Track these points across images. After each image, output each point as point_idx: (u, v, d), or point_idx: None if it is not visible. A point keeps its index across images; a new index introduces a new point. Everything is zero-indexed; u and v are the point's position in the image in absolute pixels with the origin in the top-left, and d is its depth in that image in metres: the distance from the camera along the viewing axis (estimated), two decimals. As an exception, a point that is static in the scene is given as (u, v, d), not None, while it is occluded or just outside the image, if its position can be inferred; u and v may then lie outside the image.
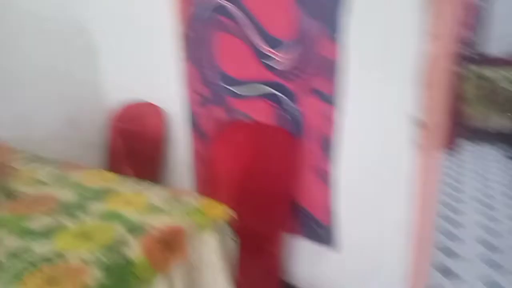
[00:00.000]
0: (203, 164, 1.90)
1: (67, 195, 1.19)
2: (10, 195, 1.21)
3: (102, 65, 2.19)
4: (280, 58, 1.45)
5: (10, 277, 0.80)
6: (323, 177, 1.48)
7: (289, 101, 1.48)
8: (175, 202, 1.13)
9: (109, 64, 2.18)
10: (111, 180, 1.30)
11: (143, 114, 2.05)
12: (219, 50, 1.64)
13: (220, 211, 1.12)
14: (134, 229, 0.99)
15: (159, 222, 1.02)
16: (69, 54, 2.04)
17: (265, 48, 1.48)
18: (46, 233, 0.97)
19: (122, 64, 2.12)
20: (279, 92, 1.50)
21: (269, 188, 1.51)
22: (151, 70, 1.98)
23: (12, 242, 0.93)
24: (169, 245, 0.98)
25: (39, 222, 1.03)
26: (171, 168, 2.10)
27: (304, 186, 1.53)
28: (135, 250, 0.92)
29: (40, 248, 0.90)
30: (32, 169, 1.41)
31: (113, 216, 1.05)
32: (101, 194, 1.18)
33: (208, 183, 1.77)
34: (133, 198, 1.16)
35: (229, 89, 1.65)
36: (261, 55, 1.50)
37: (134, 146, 2.09)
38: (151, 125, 2.03)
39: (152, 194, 1.19)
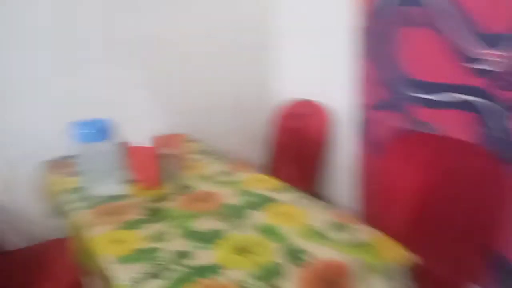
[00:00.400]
0: (369, 177, 1.68)
1: (231, 197, 1.18)
2: (184, 188, 1.27)
3: (273, 61, 2.19)
4: (492, 58, 1.10)
5: (169, 283, 0.80)
6: (545, 224, 1.07)
7: (500, 115, 1.12)
8: (341, 230, 0.97)
9: (280, 60, 2.16)
10: (274, 188, 1.23)
11: (308, 112, 1.96)
12: (406, 47, 1.38)
13: (396, 252, 0.90)
14: (293, 254, 0.88)
15: (320, 252, 0.88)
16: (242, 52, 2.08)
17: (472, 45, 1.14)
18: (208, 239, 0.95)
19: (293, 60, 2.07)
20: (485, 102, 1.15)
21: (458, 223, 1.19)
22: (322, 67, 1.86)
23: (178, 242, 0.95)
24: (330, 283, 0.83)
25: (203, 224, 1.02)
26: (331, 173, 1.96)
27: (510, 230, 1.15)
28: (292, 282, 0.80)
29: (199, 256, 0.89)
30: (204, 163, 1.48)
31: (271, 232, 0.97)
32: (262, 202, 1.13)
33: (375, 201, 1.54)
34: (294, 214, 1.06)
35: (414, 93, 1.38)
36: (464, 54, 1.17)
37: (295, 145, 2.03)
38: (315, 125, 1.92)
39: (314, 213, 1.06)
